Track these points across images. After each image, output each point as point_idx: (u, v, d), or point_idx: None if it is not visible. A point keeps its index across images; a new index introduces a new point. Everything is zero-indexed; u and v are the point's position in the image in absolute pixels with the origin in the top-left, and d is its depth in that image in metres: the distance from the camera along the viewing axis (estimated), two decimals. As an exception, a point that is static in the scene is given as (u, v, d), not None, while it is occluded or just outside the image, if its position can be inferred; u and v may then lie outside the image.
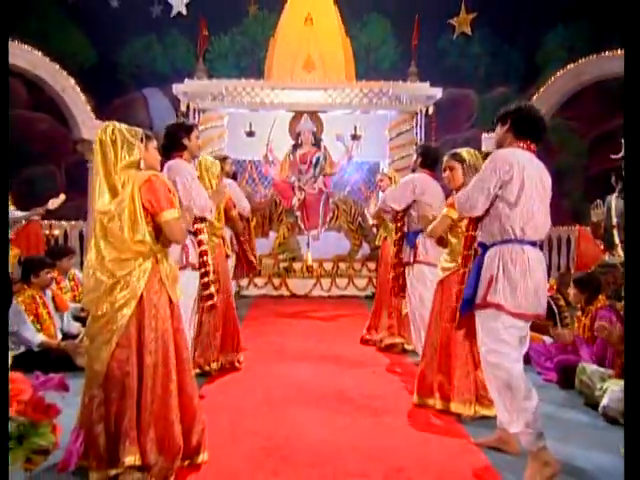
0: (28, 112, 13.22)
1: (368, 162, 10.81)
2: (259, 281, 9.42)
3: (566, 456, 3.31)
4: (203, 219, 4.25)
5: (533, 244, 3.23)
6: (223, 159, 6.11)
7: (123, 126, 3.08)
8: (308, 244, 9.74)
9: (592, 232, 9.26)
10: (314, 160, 10.06)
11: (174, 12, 12.26)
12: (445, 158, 4.27)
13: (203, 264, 4.23)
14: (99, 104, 13.02)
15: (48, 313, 5.17)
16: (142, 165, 3.13)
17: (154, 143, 3.31)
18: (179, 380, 3.09)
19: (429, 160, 5.15)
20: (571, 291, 5.07)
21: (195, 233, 4.19)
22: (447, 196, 5.33)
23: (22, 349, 5.01)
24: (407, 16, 12.49)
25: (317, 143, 10.19)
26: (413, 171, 5.34)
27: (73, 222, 10.38)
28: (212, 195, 4.40)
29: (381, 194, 6.19)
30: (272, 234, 9.91)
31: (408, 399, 4.32)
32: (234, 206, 5.36)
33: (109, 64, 13.72)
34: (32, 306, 5.08)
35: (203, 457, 3.18)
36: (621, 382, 4.06)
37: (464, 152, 4.21)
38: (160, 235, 3.07)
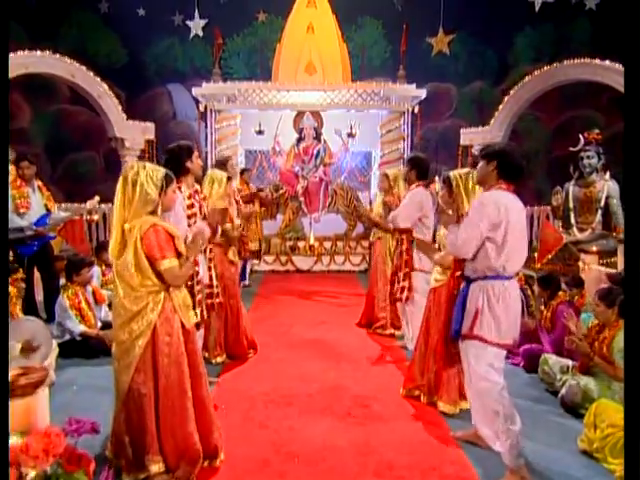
0: (70, 106, 12.97)
1: (362, 152, 10.57)
2: (269, 258, 9.33)
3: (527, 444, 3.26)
4: None
5: (512, 277, 3.04)
6: (227, 160, 5.72)
7: (148, 167, 2.89)
8: (310, 225, 9.61)
9: (552, 213, 9.18)
10: (315, 152, 9.82)
11: (192, 34, 11.93)
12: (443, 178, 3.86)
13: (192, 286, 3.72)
14: (129, 97, 12.81)
15: (89, 306, 5.07)
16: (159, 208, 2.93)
17: (173, 186, 3.02)
18: (196, 394, 3.01)
19: (423, 171, 4.85)
20: (535, 289, 4.98)
21: None
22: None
23: (66, 337, 4.95)
24: (396, 20, 12.23)
25: (318, 137, 9.90)
26: (408, 182, 4.95)
27: (110, 205, 10.19)
28: (209, 215, 3.92)
29: (377, 195, 5.90)
30: (279, 217, 9.77)
31: (397, 390, 4.23)
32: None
33: (137, 63, 13.36)
34: (75, 301, 4.98)
35: (221, 458, 3.13)
36: (578, 376, 4.01)
37: (457, 177, 3.73)
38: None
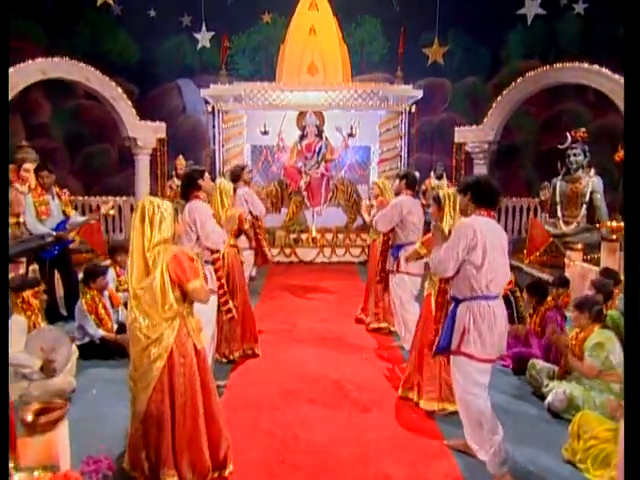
0: (86, 101, 12.78)
1: (361, 146, 10.46)
2: (274, 251, 9.24)
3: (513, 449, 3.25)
4: (218, 250, 4.05)
5: (496, 297, 3.09)
6: (242, 169, 5.92)
7: (158, 201, 2.99)
8: (313, 218, 9.55)
9: (540, 207, 9.12)
10: (317, 149, 9.69)
11: (199, 45, 11.74)
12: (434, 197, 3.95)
13: (221, 286, 4.07)
14: (142, 93, 12.69)
15: (106, 311, 5.04)
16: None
17: (180, 216, 3.26)
18: (207, 409, 3.03)
19: (412, 183, 4.99)
20: (524, 296, 4.95)
21: (213, 262, 4.02)
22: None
23: (86, 340, 4.95)
24: (394, 19, 12.02)
25: (320, 134, 9.77)
26: (397, 194, 5.07)
27: (124, 198, 10.13)
28: (224, 223, 4.17)
29: (369, 202, 5.90)
30: (283, 210, 9.71)
31: (394, 391, 4.22)
32: (246, 220, 5.16)
33: (149, 60, 13.19)
34: (93, 307, 4.96)
35: (229, 469, 3.13)
36: (563, 383, 4.00)
37: (446, 194, 3.85)
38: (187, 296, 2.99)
